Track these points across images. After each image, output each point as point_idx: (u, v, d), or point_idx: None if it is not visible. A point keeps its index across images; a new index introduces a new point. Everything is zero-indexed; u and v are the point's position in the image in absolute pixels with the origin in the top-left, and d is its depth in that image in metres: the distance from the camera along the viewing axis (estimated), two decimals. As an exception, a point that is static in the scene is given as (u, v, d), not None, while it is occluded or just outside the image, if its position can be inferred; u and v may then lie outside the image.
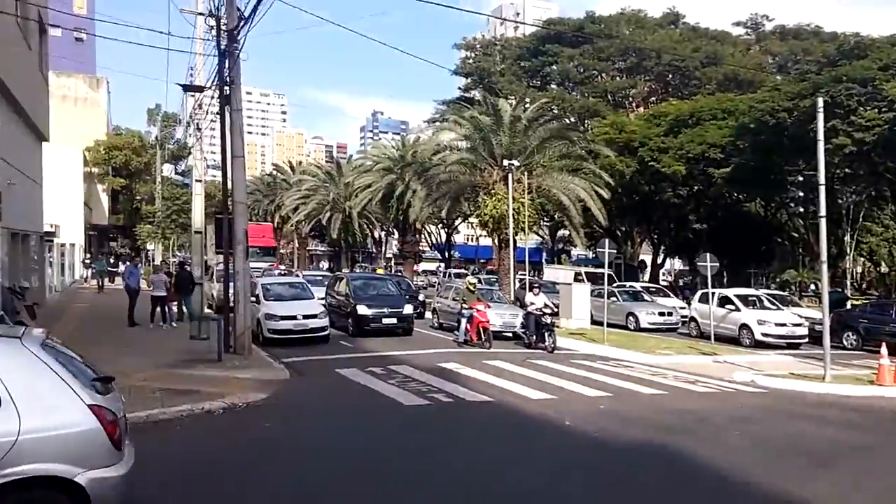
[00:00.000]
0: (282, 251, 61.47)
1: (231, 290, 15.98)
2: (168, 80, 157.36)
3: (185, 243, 59.52)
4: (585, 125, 47.62)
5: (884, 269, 54.83)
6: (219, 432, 9.19)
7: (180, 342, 16.10)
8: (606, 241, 21.76)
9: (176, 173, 60.53)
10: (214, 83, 16.98)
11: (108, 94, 60.11)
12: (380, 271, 24.04)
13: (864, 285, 55.14)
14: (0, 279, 16.03)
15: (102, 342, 15.44)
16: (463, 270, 48.70)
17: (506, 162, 27.72)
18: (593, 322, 23.48)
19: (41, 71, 23.14)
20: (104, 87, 58.72)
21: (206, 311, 21.26)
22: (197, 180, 22.93)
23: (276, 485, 6.96)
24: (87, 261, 42.67)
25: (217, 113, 17.49)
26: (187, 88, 22.35)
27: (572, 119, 48.22)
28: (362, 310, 19.40)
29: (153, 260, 45.61)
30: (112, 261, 46.54)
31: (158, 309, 19.52)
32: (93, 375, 5.24)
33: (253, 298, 16.77)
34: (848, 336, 21.01)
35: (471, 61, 59.95)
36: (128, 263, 31.26)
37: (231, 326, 15.28)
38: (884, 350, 14.32)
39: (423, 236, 58.78)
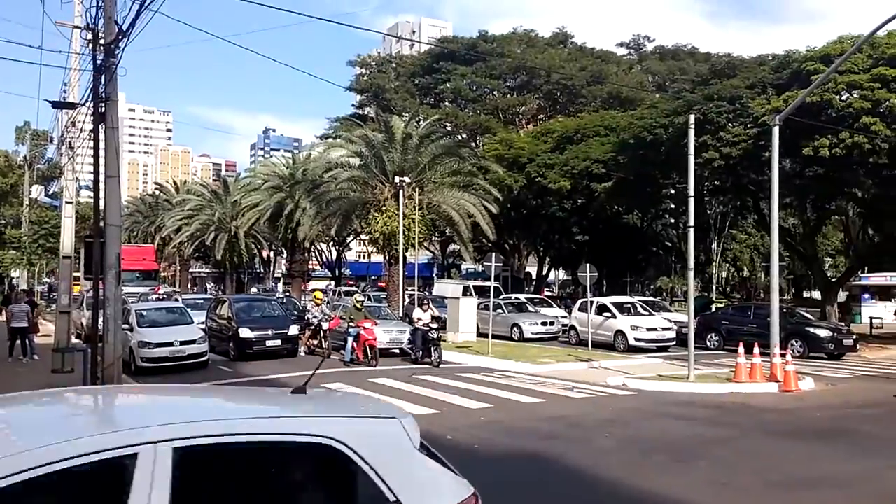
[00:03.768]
0: (164, 274, 58.63)
1: (101, 318, 15.06)
2: (40, 97, 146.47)
3: (54, 269, 55.51)
4: (477, 141, 48.52)
5: (745, 273, 59.19)
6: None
7: (41, 376, 14.96)
8: (493, 254, 22.19)
9: (46, 195, 56.60)
10: (89, 100, 16.04)
11: (-29, 113, 55.64)
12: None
13: (728, 289, 59.27)
14: None
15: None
16: (353, 288, 48.29)
17: (397, 179, 27.81)
18: (480, 335, 23.87)
19: None
20: (-33, 106, 54.36)
21: (74, 341, 19.93)
22: (68, 202, 21.46)
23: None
24: None
25: (91, 131, 16.53)
26: (57, 105, 20.96)
27: (464, 136, 49.03)
28: (244, 332, 18.80)
29: (16, 288, 41.91)
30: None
31: (19, 341, 18.09)
32: None
33: (126, 326, 15.88)
34: (711, 337, 22.50)
35: (365, 78, 59.87)
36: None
37: (100, 356, 14.38)
38: (741, 349, 15.44)
39: (312, 255, 57.82)
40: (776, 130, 15.56)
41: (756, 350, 15.32)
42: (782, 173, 18.61)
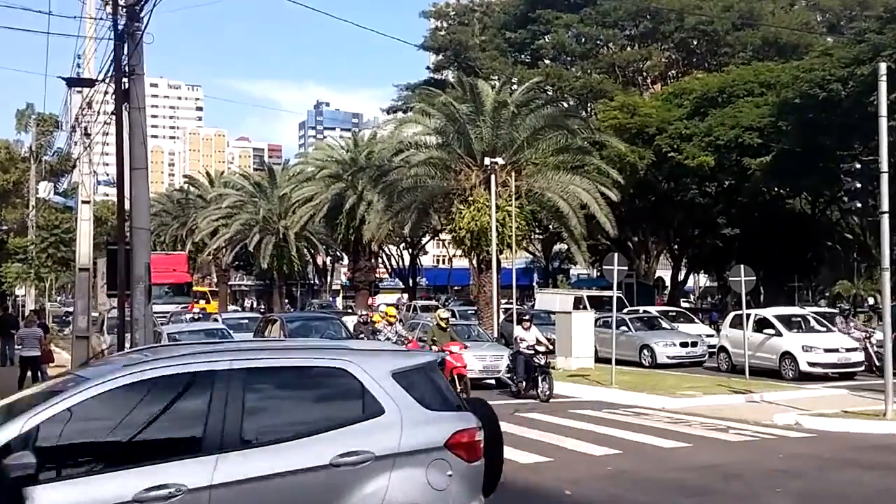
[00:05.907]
0: (198, 288, 61.02)
1: (127, 344, 15.87)
2: (47, 73, 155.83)
3: (66, 284, 58.42)
4: (588, 109, 48.24)
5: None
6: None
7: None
8: (615, 255, 22.03)
9: (56, 193, 59.96)
10: (109, 75, 16.95)
11: (-37, 95, 59.77)
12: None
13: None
14: None
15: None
16: (432, 302, 48.86)
17: (488, 160, 28.05)
18: (599, 359, 23.73)
19: None
20: (-42, 86, 58.44)
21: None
22: (84, 201, 22.71)
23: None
24: None
25: (112, 113, 17.45)
26: (72, 83, 22.10)
27: (572, 102, 48.88)
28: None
29: (23, 308, 44.23)
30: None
31: (30, 373, 19.10)
32: None
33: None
34: (918, 361, 21.50)
35: (443, 33, 60.52)
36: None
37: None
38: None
39: (380, 261, 58.92)
40: None
41: None
42: None
